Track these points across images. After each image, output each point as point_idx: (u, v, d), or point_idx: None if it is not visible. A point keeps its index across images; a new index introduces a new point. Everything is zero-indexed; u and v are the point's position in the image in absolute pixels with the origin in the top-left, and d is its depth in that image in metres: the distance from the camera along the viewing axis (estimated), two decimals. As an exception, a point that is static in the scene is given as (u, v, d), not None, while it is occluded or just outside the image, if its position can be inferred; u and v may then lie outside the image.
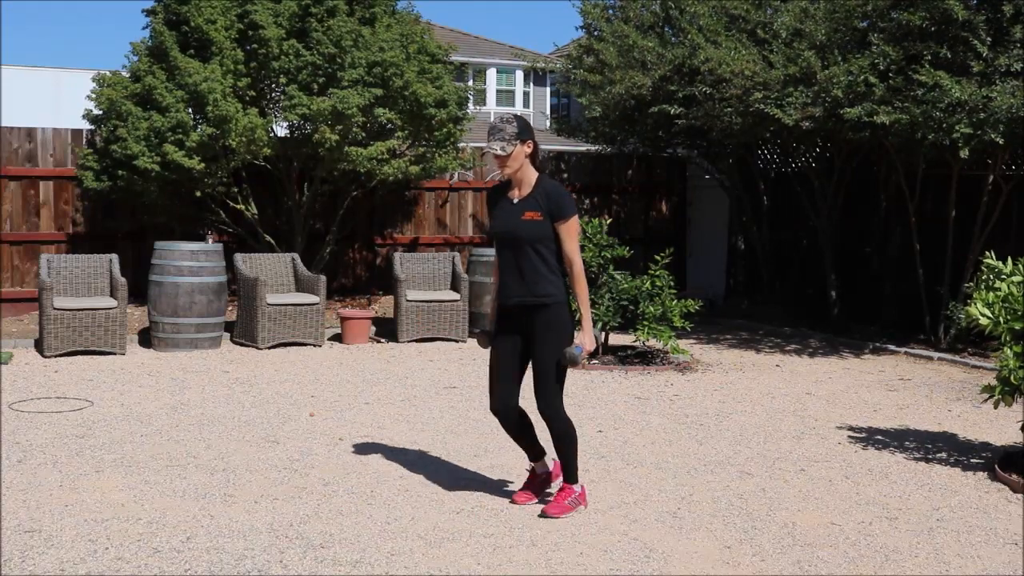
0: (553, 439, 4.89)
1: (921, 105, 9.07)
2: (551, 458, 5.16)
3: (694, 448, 6.33)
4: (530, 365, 4.88)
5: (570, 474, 4.93)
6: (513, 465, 5.72)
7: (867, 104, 9.40)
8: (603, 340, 9.60)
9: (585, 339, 4.78)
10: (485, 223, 13.50)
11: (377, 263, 13.03)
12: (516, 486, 5.33)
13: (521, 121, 4.77)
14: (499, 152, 4.71)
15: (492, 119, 4.84)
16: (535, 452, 5.09)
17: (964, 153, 8.99)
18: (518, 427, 5.00)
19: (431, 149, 11.69)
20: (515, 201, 4.80)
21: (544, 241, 4.73)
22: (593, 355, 9.46)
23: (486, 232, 13.40)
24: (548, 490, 5.13)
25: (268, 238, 11.71)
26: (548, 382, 4.79)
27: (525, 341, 4.86)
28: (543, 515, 4.88)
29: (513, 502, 5.05)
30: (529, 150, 4.77)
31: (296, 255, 10.95)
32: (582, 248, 9.39)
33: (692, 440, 6.54)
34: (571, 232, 4.74)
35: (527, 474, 5.19)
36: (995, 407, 5.94)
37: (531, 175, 4.80)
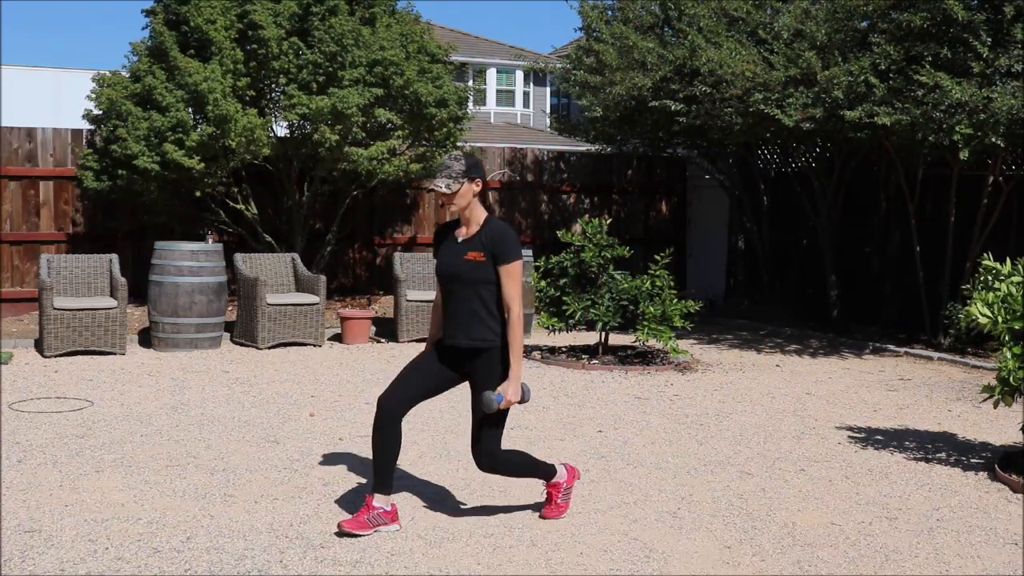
0: (509, 476, 4.78)
1: (921, 106, 9.07)
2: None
3: (694, 448, 6.33)
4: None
5: (545, 473, 4.82)
6: (513, 465, 5.71)
7: (867, 105, 9.40)
8: (603, 340, 9.61)
9: (509, 388, 4.48)
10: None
11: (377, 263, 13.03)
12: (516, 486, 5.32)
13: (470, 159, 4.62)
14: (444, 190, 4.53)
15: (443, 157, 4.69)
16: (385, 481, 4.61)
17: (964, 155, 8.99)
18: (391, 437, 4.56)
19: (431, 149, 11.70)
20: (459, 240, 4.63)
21: (484, 283, 4.53)
22: (593, 355, 9.46)
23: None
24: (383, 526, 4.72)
25: (268, 238, 11.71)
26: (484, 428, 4.56)
27: (454, 376, 4.70)
28: (542, 517, 4.87)
29: (341, 529, 4.56)
30: (477, 188, 4.61)
31: (296, 255, 10.95)
32: (582, 248, 9.41)
33: (692, 440, 6.54)
34: (512, 276, 4.51)
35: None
36: (995, 407, 5.95)
37: (479, 214, 4.64)
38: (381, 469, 4.59)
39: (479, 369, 4.57)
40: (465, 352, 4.59)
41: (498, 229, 4.59)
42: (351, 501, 5.09)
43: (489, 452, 4.60)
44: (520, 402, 4.56)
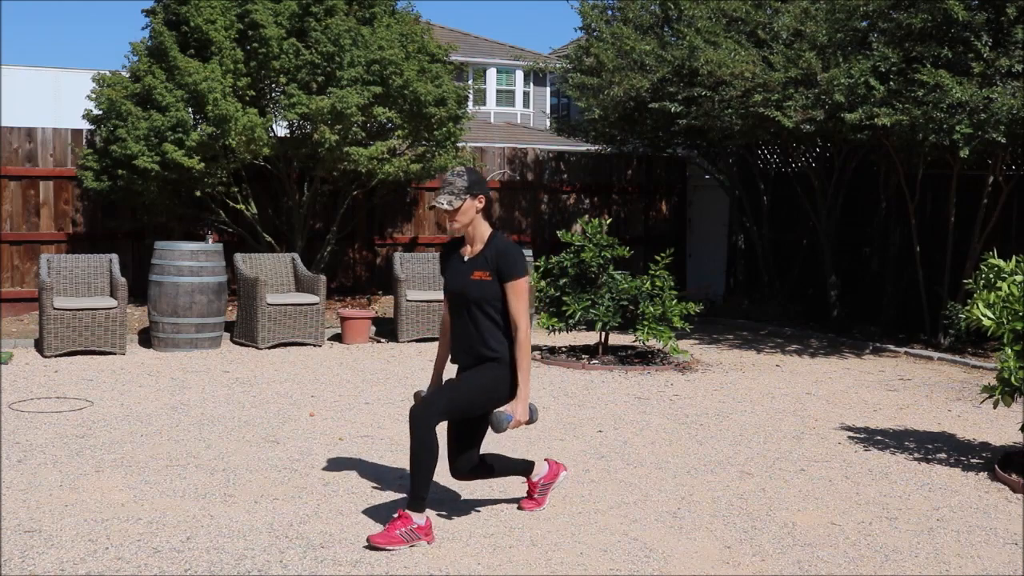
0: (410, 452, 4.45)
1: (922, 106, 9.06)
2: (543, 460, 5.12)
3: (694, 448, 6.33)
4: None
5: (414, 500, 4.46)
6: (513, 465, 5.71)
7: (867, 107, 9.39)
8: (603, 340, 9.61)
9: (518, 407, 4.50)
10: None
11: (377, 263, 13.03)
12: (516, 485, 5.32)
13: (473, 175, 4.58)
14: (446, 207, 4.49)
15: (446, 174, 4.72)
16: (523, 471, 4.99)
17: (964, 153, 8.98)
18: (492, 472, 4.87)
19: (431, 148, 11.70)
20: (465, 259, 4.62)
21: (492, 302, 4.53)
22: (593, 355, 9.46)
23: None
24: (546, 485, 5.06)
25: (268, 238, 11.71)
26: (440, 402, 4.48)
27: None
28: (368, 543, 4.43)
29: (520, 508, 5.03)
30: (480, 205, 4.57)
31: (296, 255, 10.95)
32: (582, 248, 9.41)
33: (692, 440, 6.54)
34: (518, 293, 4.50)
35: (526, 486, 5.11)
36: (995, 407, 5.95)
37: (483, 231, 4.61)
38: (514, 473, 5.00)
39: (482, 367, 4.55)
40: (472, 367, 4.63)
41: (503, 246, 4.57)
42: (351, 501, 5.09)
43: (426, 422, 4.41)
44: (528, 422, 4.56)
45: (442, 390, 4.58)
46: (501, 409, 4.52)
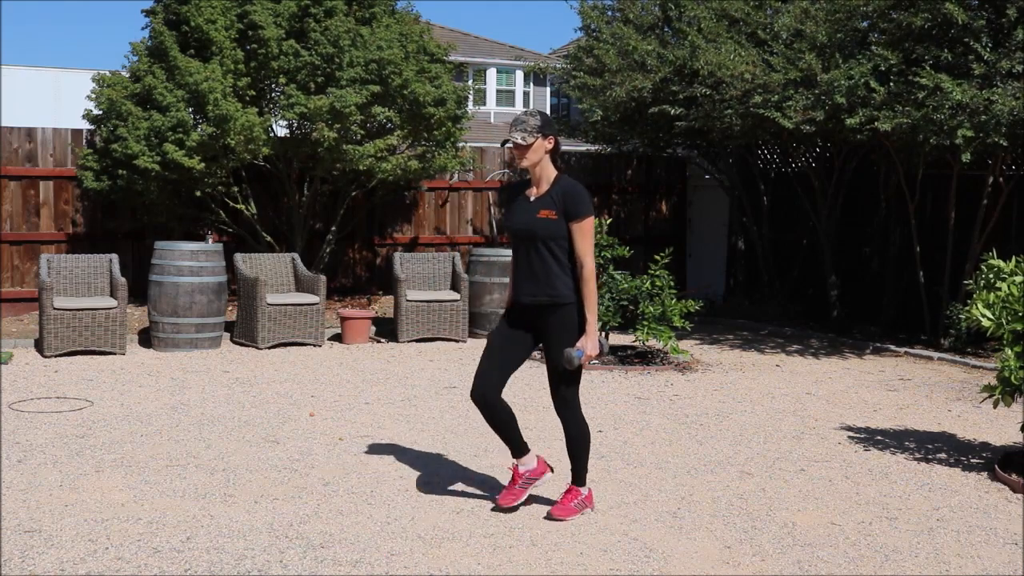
0: (567, 439, 4.88)
1: (922, 108, 9.06)
2: (535, 455, 5.06)
3: (694, 448, 6.33)
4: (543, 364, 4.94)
5: (579, 476, 4.93)
6: (513, 465, 5.71)
7: (867, 110, 9.39)
8: (603, 340, 9.58)
9: (588, 343, 4.72)
10: (484, 223, 13.50)
11: (377, 263, 13.03)
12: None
13: (545, 117, 4.76)
14: (519, 141, 4.68)
15: (519, 113, 4.85)
16: (517, 447, 4.97)
17: (967, 157, 8.98)
18: (499, 418, 4.87)
19: (430, 149, 11.70)
20: (532, 199, 4.78)
21: (558, 240, 4.69)
22: (596, 357, 9.44)
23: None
24: (533, 486, 5.01)
25: (268, 238, 11.72)
26: (563, 382, 4.79)
27: (532, 338, 4.87)
28: (549, 517, 4.85)
29: (498, 505, 4.93)
30: (550, 146, 4.75)
31: (296, 255, 10.94)
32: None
33: (692, 440, 6.54)
34: (585, 233, 4.68)
35: (511, 473, 5.05)
36: (995, 407, 5.95)
37: (550, 172, 4.78)
38: (509, 440, 4.94)
39: (554, 326, 4.76)
40: (544, 308, 4.76)
41: (569, 186, 4.75)
42: (351, 501, 5.09)
43: (570, 406, 4.83)
44: (599, 356, 4.82)
45: (552, 379, 4.84)
46: (573, 347, 4.75)
